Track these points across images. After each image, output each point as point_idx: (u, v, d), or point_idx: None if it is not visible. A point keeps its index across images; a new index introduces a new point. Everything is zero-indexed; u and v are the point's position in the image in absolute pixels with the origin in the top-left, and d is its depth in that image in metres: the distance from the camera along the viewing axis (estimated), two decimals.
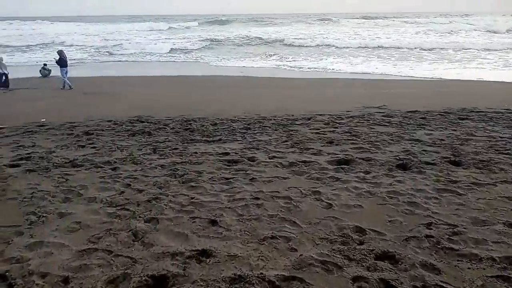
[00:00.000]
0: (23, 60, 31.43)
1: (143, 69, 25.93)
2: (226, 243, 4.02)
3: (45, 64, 23.00)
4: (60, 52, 18.91)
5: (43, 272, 3.54)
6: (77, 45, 41.13)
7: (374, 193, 5.25)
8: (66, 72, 18.27)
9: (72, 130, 9.29)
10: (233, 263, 3.66)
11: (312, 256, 3.72)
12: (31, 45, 42.44)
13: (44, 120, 10.56)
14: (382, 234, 4.16)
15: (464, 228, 4.27)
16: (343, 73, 22.90)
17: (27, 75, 22.03)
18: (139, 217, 4.61)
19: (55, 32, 54.91)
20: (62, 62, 18.35)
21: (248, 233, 4.21)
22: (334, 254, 3.77)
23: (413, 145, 7.62)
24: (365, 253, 3.79)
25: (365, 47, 36.55)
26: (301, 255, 3.77)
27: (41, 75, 22.20)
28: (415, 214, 4.64)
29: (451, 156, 6.81)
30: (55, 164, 6.63)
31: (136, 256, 3.79)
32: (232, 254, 3.79)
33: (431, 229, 4.28)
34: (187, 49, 37.29)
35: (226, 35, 47.84)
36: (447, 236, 4.10)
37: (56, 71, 20.40)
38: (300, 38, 43.62)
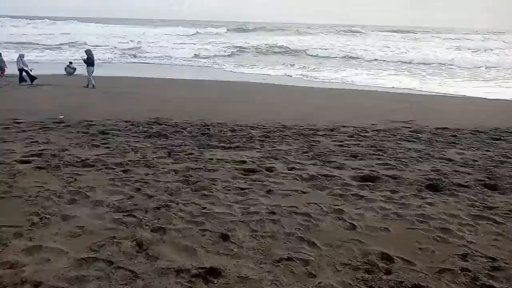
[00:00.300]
0: (51, 58, 32.06)
1: (165, 72, 25.94)
2: (237, 261, 3.64)
3: (70, 63, 23.30)
4: (88, 52, 19.07)
5: (36, 281, 3.24)
6: (102, 46, 41.77)
7: (402, 216, 4.79)
8: (92, 71, 18.39)
9: (89, 129, 9.11)
10: (243, 286, 3.28)
11: (332, 285, 3.30)
12: (61, 44, 43.43)
13: (63, 117, 10.45)
14: (412, 263, 3.71)
15: (505, 263, 3.77)
16: (369, 85, 22.32)
17: (52, 72, 22.28)
18: (146, 225, 4.28)
19: (84, 32, 56.09)
20: (90, 61, 18.48)
21: (261, 252, 3.82)
22: (358, 284, 3.34)
23: (443, 164, 7.10)
24: (393, 284, 3.35)
25: (393, 60, 35.82)
26: (320, 282, 3.35)
27: (66, 73, 22.45)
28: (449, 243, 4.16)
29: (486, 179, 6.27)
30: (66, 162, 6.40)
31: (138, 270, 3.45)
32: (243, 275, 3.41)
33: (467, 261, 3.80)
34: (211, 55, 37.33)
35: (252, 42, 47.79)
36: (486, 271, 3.62)
37: (80, 69, 20.58)
38: (326, 49, 43.14)
